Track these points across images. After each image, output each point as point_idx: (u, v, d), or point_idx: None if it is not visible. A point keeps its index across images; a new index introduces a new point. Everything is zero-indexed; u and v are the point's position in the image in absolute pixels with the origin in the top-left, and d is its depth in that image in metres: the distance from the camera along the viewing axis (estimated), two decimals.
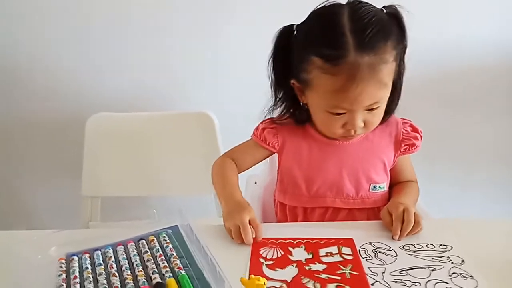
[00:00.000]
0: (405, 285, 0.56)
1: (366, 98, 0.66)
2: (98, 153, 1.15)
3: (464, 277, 0.57)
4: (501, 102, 1.40)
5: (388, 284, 0.56)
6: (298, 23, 0.73)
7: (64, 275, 0.57)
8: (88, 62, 1.32)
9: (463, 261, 0.61)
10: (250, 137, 0.85)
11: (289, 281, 0.58)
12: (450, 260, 0.61)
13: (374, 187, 0.80)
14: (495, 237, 0.66)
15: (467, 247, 0.63)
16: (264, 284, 0.46)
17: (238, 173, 0.84)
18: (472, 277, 0.57)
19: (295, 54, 0.71)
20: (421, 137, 0.81)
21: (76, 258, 0.62)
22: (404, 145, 0.80)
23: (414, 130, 0.81)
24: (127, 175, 1.17)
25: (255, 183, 1.02)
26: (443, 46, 1.31)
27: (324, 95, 0.68)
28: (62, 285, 0.55)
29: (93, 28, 1.29)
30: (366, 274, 0.59)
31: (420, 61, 1.27)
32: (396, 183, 0.84)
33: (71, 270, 0.59)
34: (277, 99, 0.79)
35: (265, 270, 0.61)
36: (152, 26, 1.28)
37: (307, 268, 0.61)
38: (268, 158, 0.98)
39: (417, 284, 0.56)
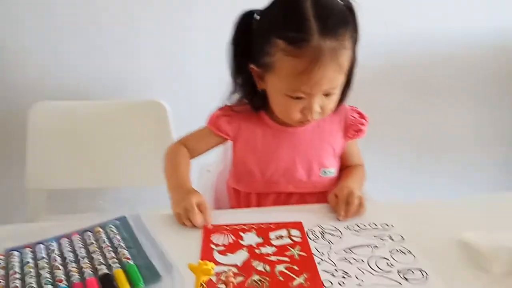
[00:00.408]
0: (349, 263, 0.59)
1: (326, 82, 0.69)
2: (43, 144, 1.09)
3: (403, 253, 0.61)
4: (471, 91, 1.47)
5: (334, 262, 0.59)
6: (259, 8, 0.74)
7: (3, 272, 0.55)
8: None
9: (402, 238, 0.64)
10: (205, 125, 0.85)
11: (239, 265, 0.59)
12: (391, 238, 0.65)
13: (325, 171, 0.83)
14: (433, 217, 0.70)
15: (407, 226, 0.67)
16: (212, 268, 0.47)
17: (191, 159, 0.85)
18: (411, 252, 0.61)
19: (256, 38, 0.73)
20: (367, 122, 0.84)
21: (16, 253, 0.59)
22: (352, 131, 0.84)
23: (361, 116, 0.85)
24: (75, 166, 1.12)
25: (208, 171, 1.02)
26: (414, 35, 1.36)
27: (285, 78, 0.69)
28: (0, 282, 0.53)
29: (53, 14, 1.22)
30: (313, 254, 0.61)
31: (398, 51, 1.33)
32: (345, 167, 0.87)
33: (9, 266, 0.56)
34: (236, 85, 0.80)
35: (216, 256, 0.61)
36: (111, 14, 1.24)
37: (257, 251, 0.62)
38: (221, 146, 0.97)
39: (360, 261, 0.59)
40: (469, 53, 1.40)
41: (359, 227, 0.67)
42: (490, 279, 0.55)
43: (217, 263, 0.59)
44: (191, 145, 0.85)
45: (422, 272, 0.57)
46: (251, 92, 0.80)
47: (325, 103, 0.73)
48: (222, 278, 0.55)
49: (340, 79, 0.72)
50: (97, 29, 1.25)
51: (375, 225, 0.68)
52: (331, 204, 0.73)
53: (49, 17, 1.22)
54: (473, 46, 1.40)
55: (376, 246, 0.63)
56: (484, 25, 1.37)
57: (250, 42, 0.74)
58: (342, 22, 0.69)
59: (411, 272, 0.57)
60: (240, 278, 0.56)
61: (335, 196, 0.73)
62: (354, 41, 0.72)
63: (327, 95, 0.72)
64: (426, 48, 1.39)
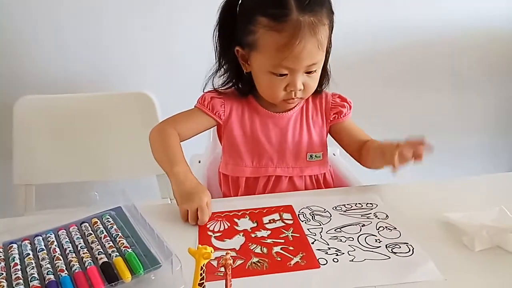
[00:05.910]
0: (340, 241, 0.62)
1: (307, 57, 0.72)
2: (30, 138, 1.08)
3: (389, 229, 0.65)
4: (455, 78, 1.51)
5: (326, 241, 0.62)
6: None
7: (2, 264, 0.55)
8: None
9: (387, 216, 0.68)
10: (194, 107, 0.85)
11: (237, 249, 0.61)
12: (376, 216, 0.68)
13: (311, 156, 0.86)
14: (411, 196, 0.75)
15: (389, 204, 0.71)
16: (211, 252, 0.48)
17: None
18: (396, 228, 0.65)
19: (241, 19, 0.76)
20: (350, 106, 0.87)
21: (15, 245, 0.59)
22: (333, 114, 0.86)
23: (343, 100, 0.88)
24: (63, 160, 1.12)
25: (199, 162, 1.03)
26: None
27: (268, 54, 0.73)
28: (1, 273, 0.53)
29: (37, 9, 1.20)
30: (306, 235, 0.64)
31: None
32: (359, 145, 0.85)
33: (10, 258, 0.56)
34: (222, 68, 0.82)
35: (214, 241, 0.63)
36: (96, 7, 1.23)
37: (253, 235, 0.64)
38: (211, 135, 0.99)
39: (350, 239, 0.63)
40: (454, 41, 1.45)
41: (346, 207, 0.71)
42: (473, 256, 0.58)
43: (216, 248, 0.61)
44: (180, 127, 0.83)
45: (408, 246, 0.60)
46: (237, 77, 0.82)
47: (307, 80, 0.76)
48: (222, 262, 0.57)
49: (321, 56, 0.75)
50: (81, 22, 1.24)
51: (361, 204, 0.71)
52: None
53: (32, 12, 1.20)
54: (458, 34, 1.44)
55: (364, 224, 0.66)
56: (468, 12, 1.42)
57: (235, 25, 0.77)
58: (319, 2, 0.72)
59: (398, 246, 0.60)
60: (239, 261, 0.58)
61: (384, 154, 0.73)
62: (330, 22, 0.75)
63: (308, 72, 0.75)
64: (410, 37, 1.42)
